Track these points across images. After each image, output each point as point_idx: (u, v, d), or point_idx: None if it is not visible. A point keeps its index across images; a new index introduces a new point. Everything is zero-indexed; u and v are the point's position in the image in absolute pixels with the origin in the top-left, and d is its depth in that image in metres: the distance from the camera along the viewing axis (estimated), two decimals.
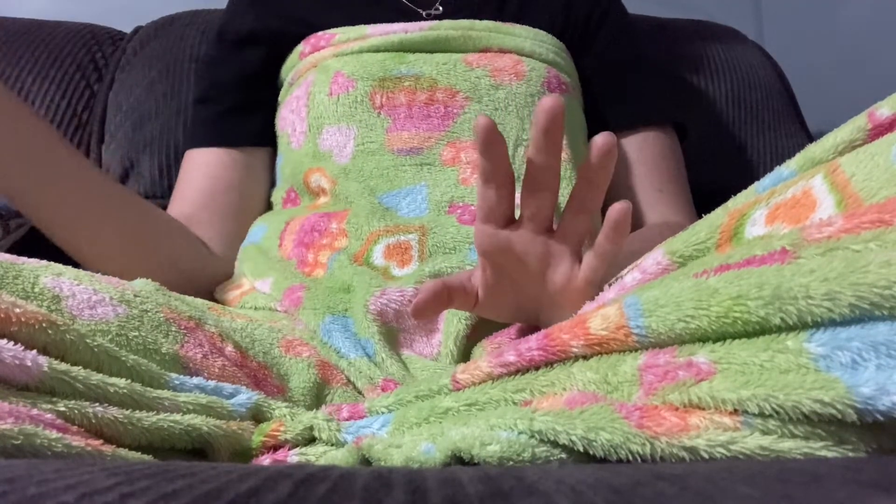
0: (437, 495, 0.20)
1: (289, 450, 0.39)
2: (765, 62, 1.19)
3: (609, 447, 0.28)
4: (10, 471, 0.21)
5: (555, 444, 0.29)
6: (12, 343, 0.33)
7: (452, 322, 0.56)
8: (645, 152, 0.81)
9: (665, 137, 0.82)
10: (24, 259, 0.42)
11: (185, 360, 0.42)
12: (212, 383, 0.41)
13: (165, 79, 1.02)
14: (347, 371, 0.52)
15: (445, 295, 0.49)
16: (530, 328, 0.52)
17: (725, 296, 0.29)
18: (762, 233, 0.36)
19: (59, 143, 0.59)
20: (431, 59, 0.73)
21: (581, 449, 0.28)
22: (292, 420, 0.39)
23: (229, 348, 0.47)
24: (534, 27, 0.78)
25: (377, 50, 0.74)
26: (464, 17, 0.77)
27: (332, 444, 0.38)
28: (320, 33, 0.78)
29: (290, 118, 0.77)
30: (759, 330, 0.29)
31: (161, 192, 0.95)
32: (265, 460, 0.38)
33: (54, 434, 0.29)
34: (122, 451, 0.33)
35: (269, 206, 0.81)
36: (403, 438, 0.34)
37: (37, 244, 0.89)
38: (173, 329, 0.44)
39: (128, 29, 1.13)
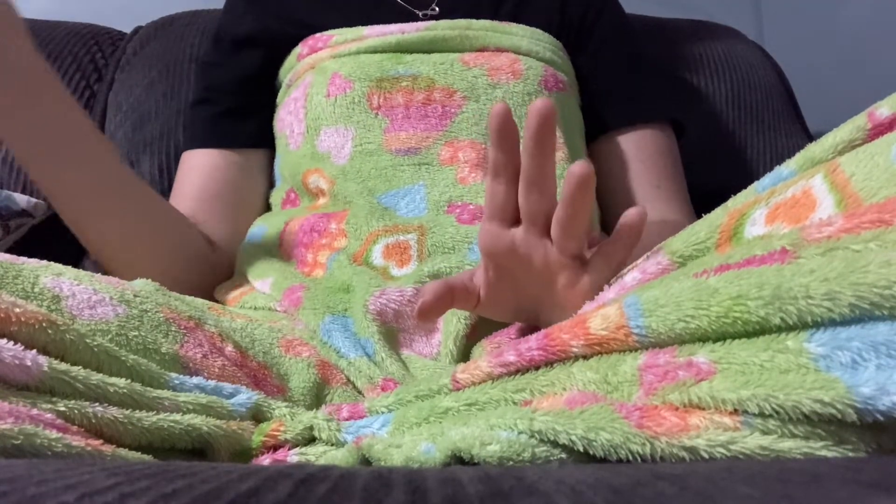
0: (437, 495, 0.20)
1: (289, 450, 0.39)
2: (765, 62, 1.19)
3: (609, 447, 0.28)
4: (10, 471, 0.21)
5: (555, 444, 0.29)
6: (12, 343, 0.33)
7: (452, 322, 0.56)
8: (642, 150, 0.81)
9: (662, 135, 0.82)
10: (24, 259, 0.42)
11: (185, 359, 0.42)
12: (212, 383, 0.41)
13: (165, 79, 1.02)
14: (347, 371, 0.52)
15: (448, 296, 0.49)
16: (530, 328, 0.52)
17: (725, 296, 0.29)
18: (762, 233, 0.36)
19: (90, 127, 0.61)
20: (428, 59, 0.73)
21: (581, 449, 0.28)
22: (292, 420, 0.39)
23: (229, 348, 0.47)
24: (530, 26, 0.78)
25: (374, 51, 0.74)
26: (460, 17, 0.77)
27: (332, 444, 0.38)
28: (318, 35, 0.78)
29: (288, 119, 0.77)
30: (759, 330, 0.29)
31: (161, 192, 0.94)
32: (265, 460, 0.38)
33: (54, 434, 0.29)
34: (122, 451, 0.33)
35: (267, 207, 0.81)
36: (403, 438, 0.34)
37: (37, 244, 0.89)
38: (173, 329, 0.44)
39: (128, 29, 1.13)
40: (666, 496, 0.19)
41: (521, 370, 0.36)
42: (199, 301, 0.53)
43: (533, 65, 0.75)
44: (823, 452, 0.25)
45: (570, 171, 0.42)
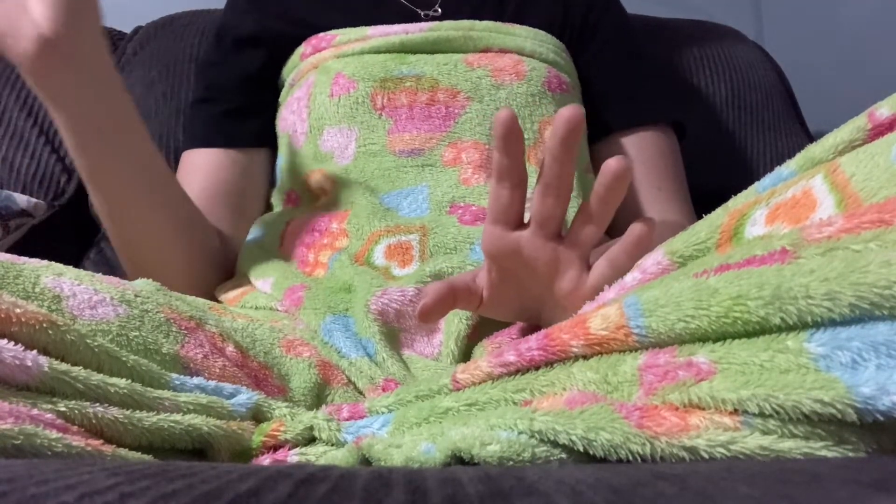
0: (437, 495, 0.20)
1: (289, 450, 0.39)
2: (765, 62, 1.19)
3: (609, 447, 0.28)
4: (10, 471, 0.21)
5: (555, 444, 0.29)
6: (13, 343, 0.33)
7: (453, 322, 0.56)
8: (644, 151, 0.81)
9: (663, 136, 0.82)
10: (24, 259, 0.42)
11: (186, 360, 0.42)
12: (212, 383, 0.41)
13: (165, 79, 1.02)
14: (348, 371, 0.52)
15: (450, 297, 0.49)
16: (531, 328, 0.52)
17: (725, 296, 0.29)
18: (762, 233, 0.36)
19: (141, 122, 0.63)
20: (432, 60, 0.73)
21: (581, 449, 0.28)
22: (292, 420, 0.39)
23: (230, 348, 0.47)
24: (534, 27, 0.78)
25: (378, 51, 0.74)
26: (464, 18, 0.77)
27: (332, 444, 0.38)
28: (321, 34, 0.78)
29: (290, 119, 0.77)
30: (759, 330, 0.29)
31: None
32: (265, 460, 0.38)
33: (54, 434, 0.29)
34: (122, 451, 0.33)
35: (268, 207, 0.81)
36: (403, 438, 0.34)
37: (37, 244, 0.89)
38: (174, 329, 0.44)
39: (128, 29, 1.13)
40: (666, 496, 0.19)
41: (521, 370, 0.36)
42: (201, 301, 0.53)
43: (536, 66, 0.75)
44: (823, 452, 0.25)
45: (607, 163, 0.43)
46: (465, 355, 0.55)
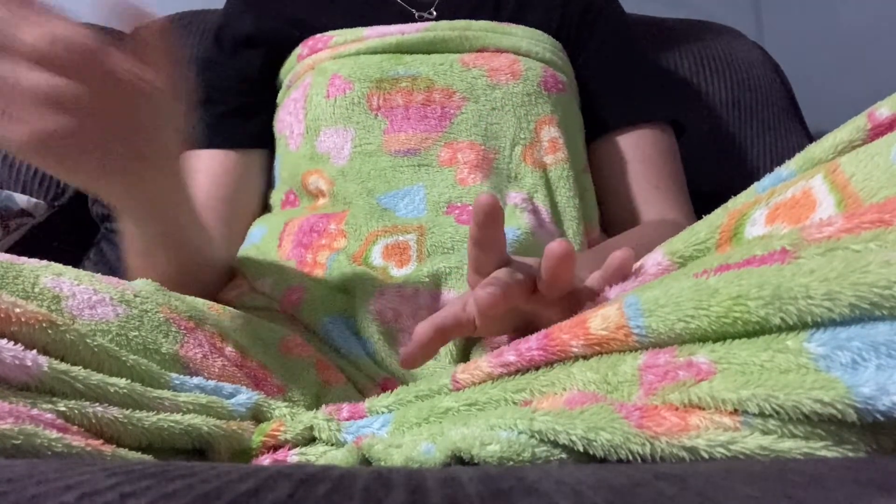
0: (437, 495, 0.20)
1: (289, 450, 0.39)
2: (765, 62, 1.19)
3: (609, 447, 0.28)
4: (10, 471, 0.21)
5: (555, 444, 0.29)
6: (12, 343, 0.33)
7: None
8: (641, 150, 0.81)
9: (661, 135, 0.82)
10: (24, 259, 0.42)
11: (185, 360, 0.42)
12: (212, 383, 0.41)
13: None
14: (347, 371, 0.52)
15: (438, 338, 0.46)
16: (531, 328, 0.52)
17: (725, 296, 0.29)
18: (762, 233, 0.36)
19: (194, 214, 0.59)
20: (428, 60, 0.73)
21: (581, 449, 0.28)
22: (292, 420, 0.39)
23: (229, 348, 0.47)
24: (531, 26, 0.78)
25: (374, 52, 0.74)
26: (460, 18, 0.77)
27: (332, 444, 0.38)
28: (318, 35, 0.78)
29: (287, 120, 0.77)
30: (759, 330, 0.29)
31: None
32: (265, 460, 0.38)
33: (54, 434, 0.29)
34: (122, 451, 0.33)
35: (266, 208, 0.81)
36: (403, 438, 0.34)
37: (37, 244, 0.89)
38: (173, 329, 0.44)
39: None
40: (666, 496, 0.19)
41: (521, 370, 0.36)
42: (200, 301, 0.53)
43: (532, 65, 0.75)
44: (823, 452, 0.25)
45: (549, 249, 0.41)
46: (465, 355, 0.55)
